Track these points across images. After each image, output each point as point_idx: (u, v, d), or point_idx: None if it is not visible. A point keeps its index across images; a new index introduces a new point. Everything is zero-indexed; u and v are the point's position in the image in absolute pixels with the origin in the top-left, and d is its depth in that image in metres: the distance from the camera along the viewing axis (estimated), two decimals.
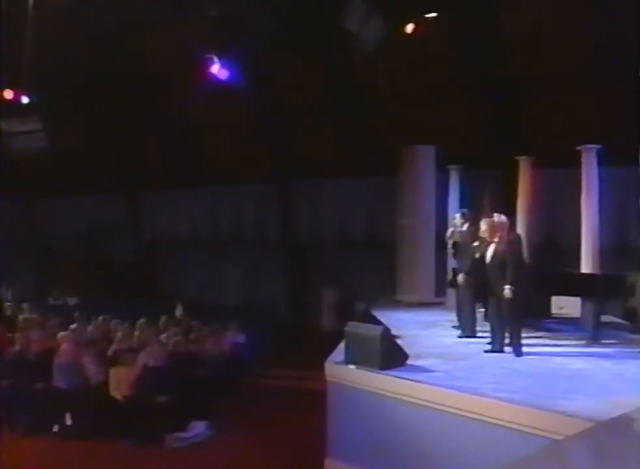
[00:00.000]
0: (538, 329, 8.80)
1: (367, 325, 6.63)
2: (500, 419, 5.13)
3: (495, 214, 7.51)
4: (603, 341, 7.99)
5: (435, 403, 5.59)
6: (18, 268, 18.02)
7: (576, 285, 8.64)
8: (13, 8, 11.50)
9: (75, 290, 16.98)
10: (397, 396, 5.92)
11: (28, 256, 19.14)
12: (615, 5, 9.82)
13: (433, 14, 10.89)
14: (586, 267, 9.87)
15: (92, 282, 17.63)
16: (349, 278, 15.26)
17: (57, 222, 19.10)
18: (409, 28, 11.16)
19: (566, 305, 9.97)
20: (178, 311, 14.70)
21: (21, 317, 11.78)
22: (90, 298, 16.54)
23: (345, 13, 11.32)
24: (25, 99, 13.58)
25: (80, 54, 13.82)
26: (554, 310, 10.05)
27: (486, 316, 7.89)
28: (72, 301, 16.80)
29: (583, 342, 7.98)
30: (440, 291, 11.94)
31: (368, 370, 6.28)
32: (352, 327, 6.67)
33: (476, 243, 7.79)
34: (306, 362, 8.40)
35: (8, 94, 13.53)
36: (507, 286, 6.99)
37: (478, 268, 7.56)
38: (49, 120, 15.91)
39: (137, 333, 10.37)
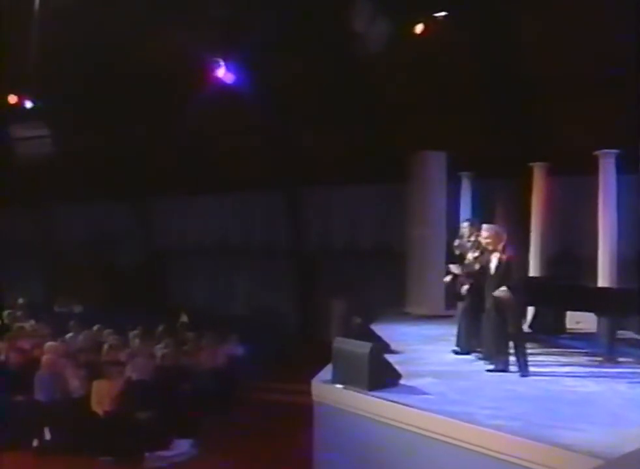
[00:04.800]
0: (550, 346, 8.25)
1: (356, 341, 6.11)
2: (493, 450, 4.60)
3: (484, 225, 7.06)
4: (619, 360, 7.40)
5: (424, 429, 5.07)
6: (26, 275, 17.85)
7: (590, 300, 8.05)
8: (16, 13, 11.39)
9: (81, 298, 16.70)
10: (384, 420, 5.41)
11: (37, 262, 18.92)
12: (636, 8, 9.28)
13: (443, 13, 10.42)
14: (603, 280, 9.37)
15: (98, 290, 17.36)
16: (360, 289, 14.76)
17: (64, 229, 18.87)
18: (418, 28, 10.75)
19: (582, 320, 9.45)
20: (183, 320, 14.37)
21: (16, 325, 11.50)
22: (95, 306, 16.27)
23: (352, 14, 11.00)
24: (28, 104, 13.47)
25: (84, 58, 13.59)
26: (570, 325, 9.56)
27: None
28: (77, 309, 16.53)
29: (597, 360, 7.40)
30: (450, 303, 11.43)
31: (355, 391, 5.78)
32: (341, 343, 6.18)
33: (476, 254, 7.26)
34: (308, 376, 7.95)
35: (12, 99, 13.44)
36: (502, 288, 6.46)
37: (478, 279, 7.04)
38: (55, 125, 15.85)
39: (132, 344, 10.04)
